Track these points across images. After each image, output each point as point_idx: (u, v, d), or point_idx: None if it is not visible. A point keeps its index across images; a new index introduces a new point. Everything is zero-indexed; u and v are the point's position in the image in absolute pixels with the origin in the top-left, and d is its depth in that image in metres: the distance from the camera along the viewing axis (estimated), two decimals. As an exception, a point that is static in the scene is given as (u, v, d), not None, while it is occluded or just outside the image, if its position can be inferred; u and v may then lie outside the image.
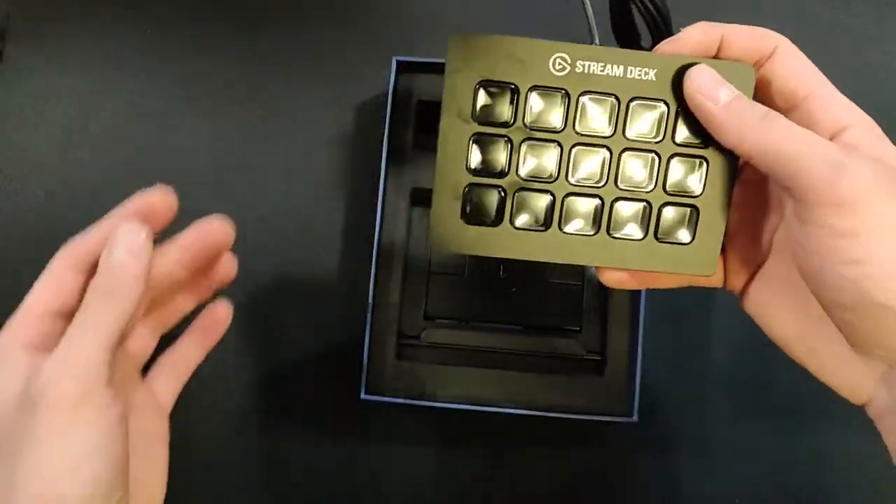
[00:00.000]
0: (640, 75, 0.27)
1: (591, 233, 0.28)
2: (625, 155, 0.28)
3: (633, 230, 0.28)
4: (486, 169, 0.28)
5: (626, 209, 0.28)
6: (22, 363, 0.26)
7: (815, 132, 0.25)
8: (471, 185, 0.28)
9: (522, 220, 0.28)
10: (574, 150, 0.28)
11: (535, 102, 0.28)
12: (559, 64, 0.27)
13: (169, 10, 0.50)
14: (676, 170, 0.28)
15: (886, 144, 0.26)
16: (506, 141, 0.28)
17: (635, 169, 0.28)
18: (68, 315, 0.27)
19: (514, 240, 0.28)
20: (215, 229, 0.30)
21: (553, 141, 0.28)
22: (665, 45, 0.28)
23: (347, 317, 0.47)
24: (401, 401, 0.43)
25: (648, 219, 0.28)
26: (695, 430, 0.47)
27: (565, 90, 0.27)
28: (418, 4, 0.50)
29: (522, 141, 0.28)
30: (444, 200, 0.28)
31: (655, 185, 0.28)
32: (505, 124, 0.28)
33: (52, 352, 0.25)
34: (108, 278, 0.26)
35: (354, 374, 0.44)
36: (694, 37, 0.27)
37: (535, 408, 0.43)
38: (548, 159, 0.28)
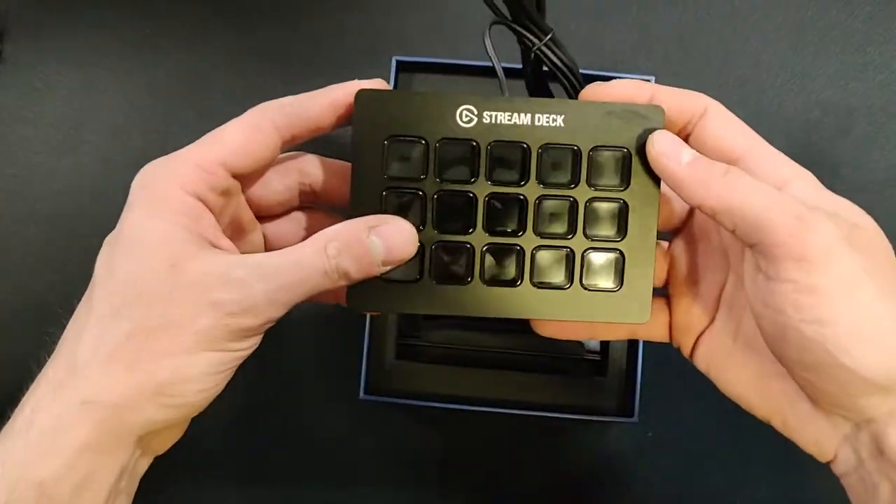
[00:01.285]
0: (548, 122, 0.27)
1: (514, 284, 0.28)
2: (541, 202, 0.28)
3: (557, 278, 0.28)
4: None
5: (547, 257, 0.28)
6: (195, 214, 0.25)
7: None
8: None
9: (441, 273, 0.28)
10: (489, 201, 0.28)
11: (444, 155, 0.27)
12: (466, 116, 0.27)
13: (168, 9, 0.50)
14: (595, 214, 0.28)
15: (828, 194, 0.26)
16: (419, 195, 0.27)
17: (553, 216, 0.28)
18: (239, 176, 0.27)
19: (436, 295, 0.28)
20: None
21: (466, 192, 0.28)
22: (593, 88, 0.28)
23: (347, 317, 0.46)
24: (401, 401, 0.43)
25: (572, 266, 0.28)
26: (695, 430, 0.47)
27: (474, 141, 0.27)
28: (418, 4, 0.50)
29: (435, 193, 0.27)
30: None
31: (575, 232, 0.28)
32: (416, 178, 0.27)
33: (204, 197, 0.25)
34: (356, 263, 0.25)
35: (354, 374, 0.44)
36: (625, 89, 0.28)
37: (535, 408, 0.43)
38: (462, 212, 0.28)
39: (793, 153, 0.27)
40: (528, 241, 0.28)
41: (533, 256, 0.28)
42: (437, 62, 0.44)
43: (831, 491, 0.46)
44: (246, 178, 0.28)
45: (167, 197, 0.25)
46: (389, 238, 0.26)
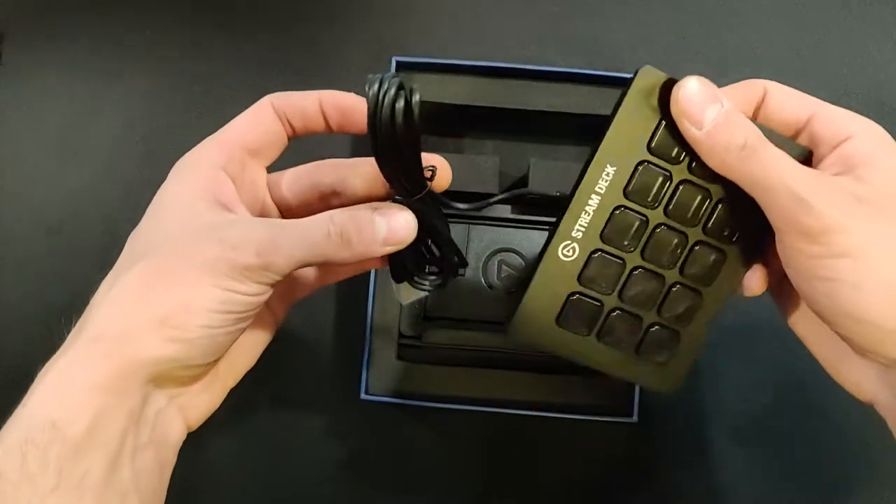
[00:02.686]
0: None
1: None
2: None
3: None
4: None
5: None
6: (219, 183, 0.28)
7: (819, 151, 0.27)
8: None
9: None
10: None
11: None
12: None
13: (168, 13, 0.50)
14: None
15: (883, 151, 0.26)
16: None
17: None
18: (253, 152, 0.30)
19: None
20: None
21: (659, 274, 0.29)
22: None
23: (347, 317, 0.47)
24: (401, 401, 0.43)
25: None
26: (695, 430, 0.47)
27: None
28: (418, 4, 0.50)
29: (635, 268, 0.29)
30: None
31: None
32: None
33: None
34: (359, 232, 0.26)
35: (354, 374, 0.44)
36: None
37: (535, 408, 0.43)
38: (649, 287, 0.29)
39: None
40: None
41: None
42: (437, 62, 0.44)
43: (832, 491, 0.46)
44: (260, 153, 0.30)
45: (191, 170, 0.28)
46: (392, 220, 0.27)
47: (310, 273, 0.33)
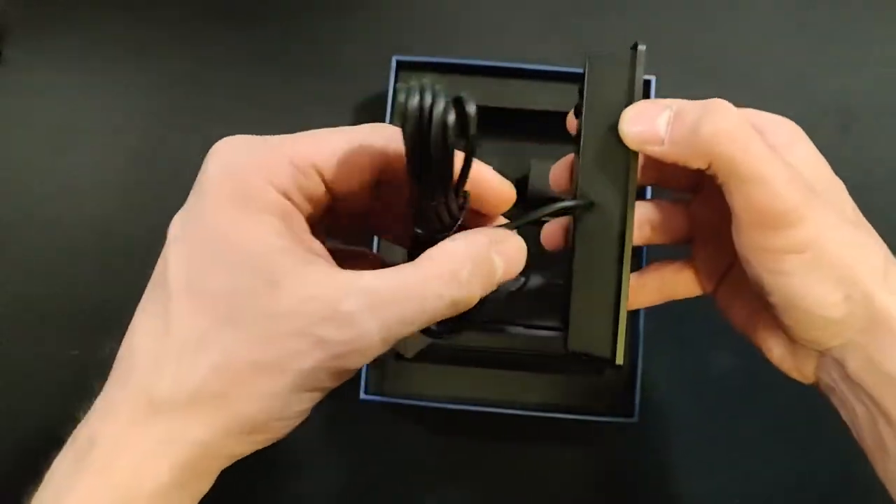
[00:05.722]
0: None
1: None
2: None
3: None
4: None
5: None
6: (289, 218, 0.22)
7: None
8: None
9: None
10: None
11: None
12: None
13: (167, 10, 0.50)
14: None
15: (798, 140, 0.27)
16: None
17: None
18: (325, 177, 0.23)
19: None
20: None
21: None
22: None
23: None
24: (401, 401, 0.43)
25: None
26: (695, 430, 0.47)
27: None
28: (418, 3, 0.50)
29: None
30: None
31: None
32: None
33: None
34: (484, 280, 0.22)
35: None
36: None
37: (535, 408, 0.43)
38: None
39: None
40: None
41: None
42: (437, 62, 0.44)
43: (832, 490, 0.46)
44: (334, 197, 0.24)
45: (258, 193, 0.21)
46: (509, 256, 0.23)
47: None
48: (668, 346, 0.47)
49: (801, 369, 0.29)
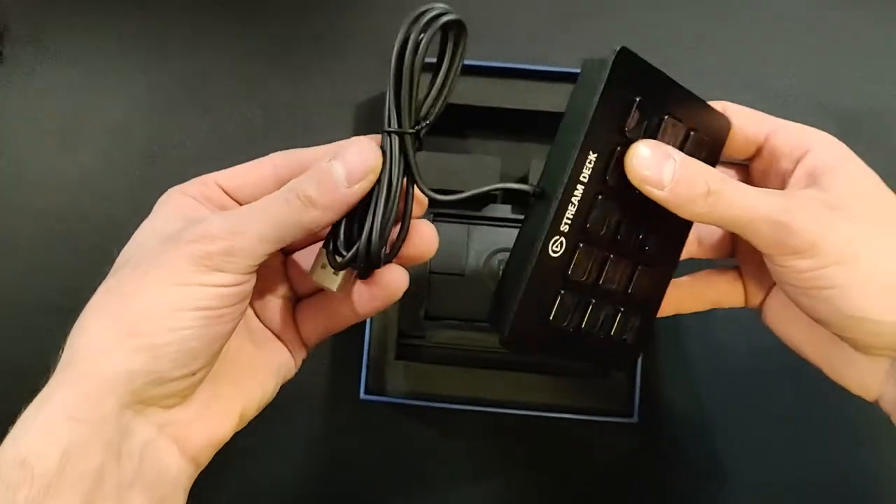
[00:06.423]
0: None
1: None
2: None
3: None
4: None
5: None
6: (187, 205, 0.28)
7: (780, 165, 0.28)
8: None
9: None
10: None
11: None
12: None
13: (169, 9, 0.50)
14: None
15: (843, 159, 0.28)
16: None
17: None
18: (239, 199, 0.29)
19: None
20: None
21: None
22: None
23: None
24: (401, 401, 0.43)
25: None
26: (695, 430, 0.47)
27: None
28: (418, 4, 0.50)
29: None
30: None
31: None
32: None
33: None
34: (317, 184, 0.25)
35: (354, 374, 0.44)
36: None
37: (535, 408, 0.43)
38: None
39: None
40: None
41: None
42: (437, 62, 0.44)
43: (832, 490, 0.46)
44: (238, 199, 0.29)
45: (169, 200, 0.28)
46: (347, 155, 0.26)
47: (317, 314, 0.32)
48: (668, 347, 0.47)
49: (865, 383, 0.29)
